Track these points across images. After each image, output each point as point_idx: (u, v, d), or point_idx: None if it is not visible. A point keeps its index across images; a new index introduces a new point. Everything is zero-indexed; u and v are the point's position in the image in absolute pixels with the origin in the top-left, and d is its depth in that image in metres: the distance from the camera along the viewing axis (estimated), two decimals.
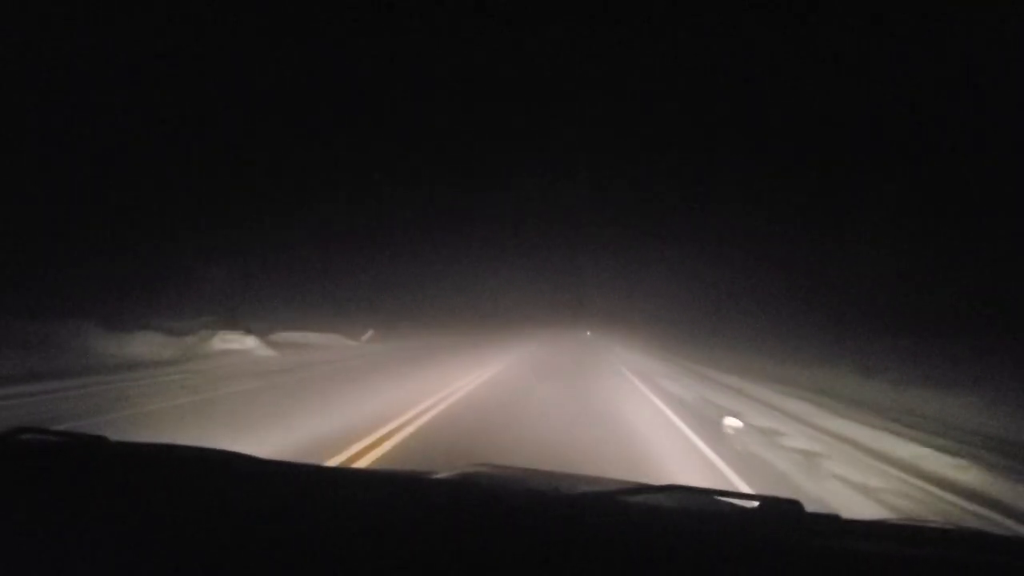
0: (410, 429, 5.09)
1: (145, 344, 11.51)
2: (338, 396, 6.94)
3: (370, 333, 18.45)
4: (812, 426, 6.91)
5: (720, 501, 1.16)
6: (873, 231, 24.26)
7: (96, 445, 1.20)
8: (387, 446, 4.42)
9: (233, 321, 15.44)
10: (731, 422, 6.22)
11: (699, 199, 40.48)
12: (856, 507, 3.68)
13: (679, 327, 33.79)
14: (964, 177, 20.73)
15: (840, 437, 6.20)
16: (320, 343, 16.07)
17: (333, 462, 3.78)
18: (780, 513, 0.99)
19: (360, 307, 27.85)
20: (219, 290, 17.18)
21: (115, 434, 1.26)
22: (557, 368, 13.19)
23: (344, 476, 1.56)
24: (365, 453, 4.16)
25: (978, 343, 15.38)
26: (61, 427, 1.57)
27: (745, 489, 3.87)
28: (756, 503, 1.06)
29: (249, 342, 11.98)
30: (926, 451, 5.59)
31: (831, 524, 0.98)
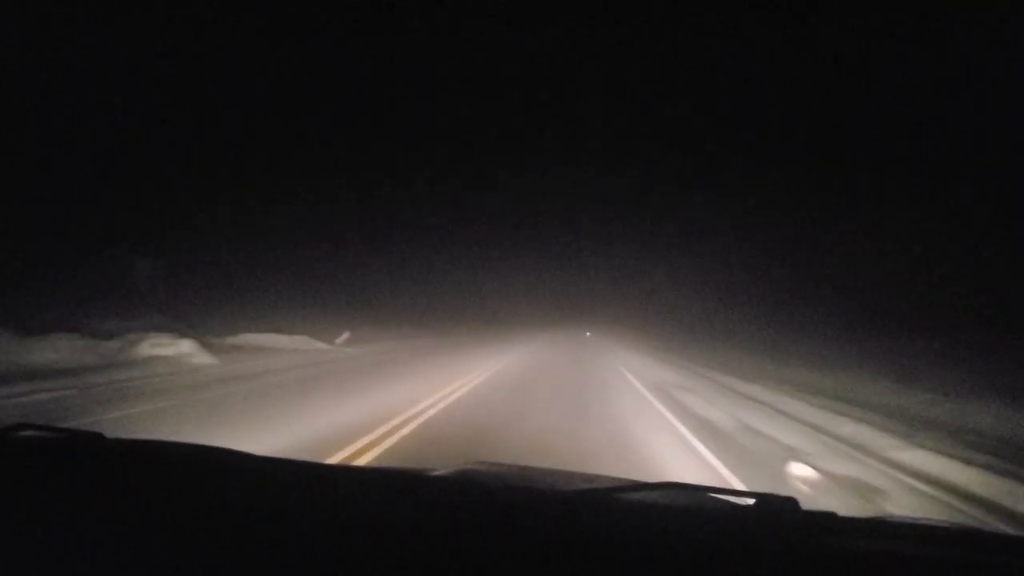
0: None
1: (57, 349, 9.56)
2: (248, 426, 5.00)
3: (346, 335, 16.49)
4: (899, 467, 4.99)
5: (716, 498, 1.13)
6: (889, 225, 22.82)
7: (94, 442, 1.16)
8: None
9: (172, 323, 13.54)
10: (800, 471, 4.28)
11: (704, 197, 39.23)
12: None
13: (682, 328, 32.19)
14: (1000, 167, 19.19)
15: (953, 489, 4.29)
16: (284, 346, 14.13)
17: None
18: (776, 510, 0.96)
19: (353, 308, 26.45)
20: (167, 289, 15.24)
21: None
22: (554, 376, 11.24)
23: (342, 473, 1.44)
24: None
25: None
26: None
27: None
28: (752, 500, 1.00)
29: (184, 347, 10.03)
30: None
31: (827, 522, 0.94)
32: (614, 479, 1.29)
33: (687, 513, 1.06)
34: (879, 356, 15.73)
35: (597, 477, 1.47)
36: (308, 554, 0.74)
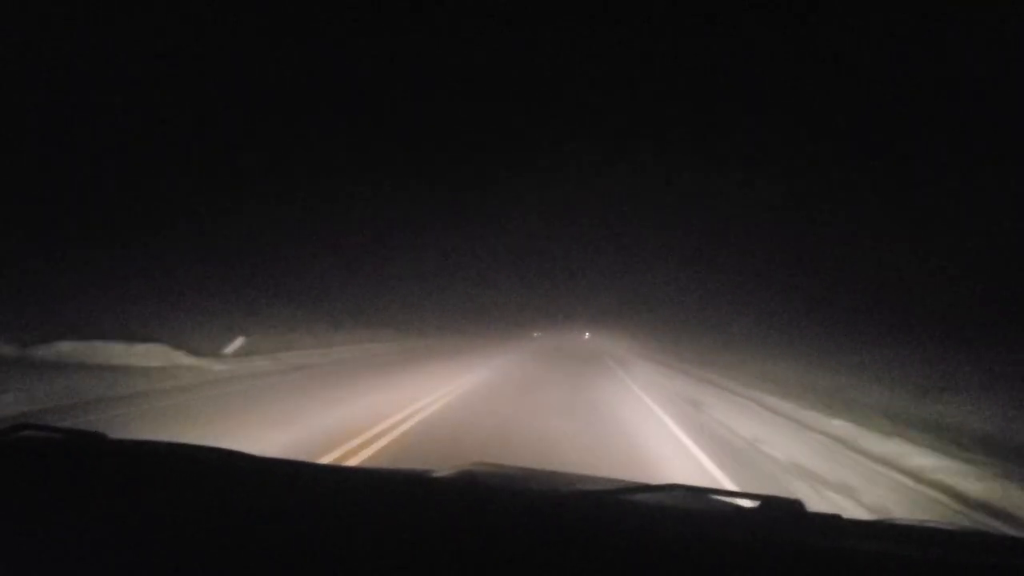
0: None
1: None
2: None
3: (239, 343, 11.15)
4: None
5: (720, 500, 1.14)
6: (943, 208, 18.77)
7: (95, 442, 1.15)
8: None
9: None
10: None
11: (711, 189, 35.46)
12: None
13: (691, 332, 27.56)
14: None
15: None
16: (118, 362, 8.77)
17: None
18: (781, 512, 0.95)
19: (313, 308, 21.30)
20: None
21: None
22: (533, 415, 6.09)
23: (343, 474, 1.45)
24: None
25: None
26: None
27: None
28: (756, 502, 1.00)
29: None
30: None
31: (832, 523, 0.93)
32: (617, 481, 1.25)
33: (691, 515, 1.04)
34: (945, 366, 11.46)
35: (599, 479, 1.45)
36: (308, 554, 0.73)
